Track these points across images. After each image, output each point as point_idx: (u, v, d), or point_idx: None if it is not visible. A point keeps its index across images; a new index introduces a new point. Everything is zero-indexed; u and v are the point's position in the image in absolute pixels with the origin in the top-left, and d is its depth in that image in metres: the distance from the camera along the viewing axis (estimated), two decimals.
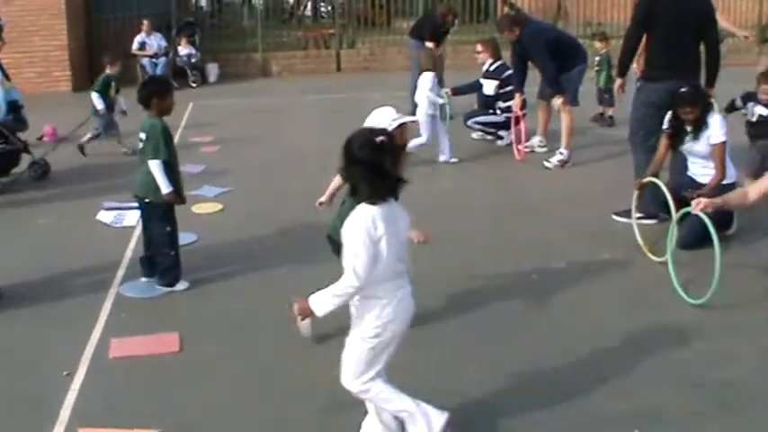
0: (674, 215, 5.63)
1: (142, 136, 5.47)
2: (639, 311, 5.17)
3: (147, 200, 5.52)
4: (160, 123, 5.46)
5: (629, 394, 4.13)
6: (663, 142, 6.53)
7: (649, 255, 5.99)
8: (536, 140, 9.64)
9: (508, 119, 9.64)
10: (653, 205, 6.46)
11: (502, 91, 9.93)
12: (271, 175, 8.86)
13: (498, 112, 9.92)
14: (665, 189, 5.97)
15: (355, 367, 3.46)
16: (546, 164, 8.98)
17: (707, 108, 6.29)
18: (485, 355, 4.58)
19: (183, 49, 16.36)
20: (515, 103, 9.34)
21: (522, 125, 9.29)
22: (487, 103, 10.16)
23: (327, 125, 10.95)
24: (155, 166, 5.38)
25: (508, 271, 5.85)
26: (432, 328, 4.81)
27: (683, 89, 6.22)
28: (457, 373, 4.38)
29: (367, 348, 3.42)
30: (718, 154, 6.20)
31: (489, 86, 10.09)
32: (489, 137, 10.17)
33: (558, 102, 8.96)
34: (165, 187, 5.40)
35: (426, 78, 9.18)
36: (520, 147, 9.30)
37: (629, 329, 4.88)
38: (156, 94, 5.46)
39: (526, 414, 3.95)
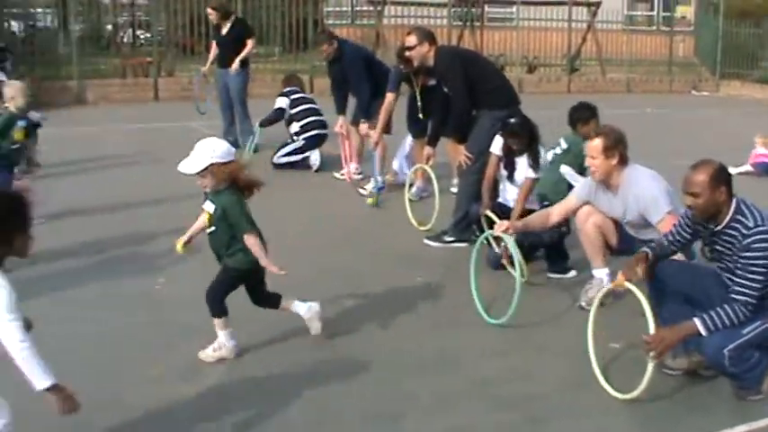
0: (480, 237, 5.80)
1: None
2: (446, 331, 5.30)
3: None
4: None
5: (441, 413, 4.23)
6: (493, 167, 6.50)
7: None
8: (353, 167, 9.49)
9: (306, 141, 9.88)
10: (467, 231, 6.67)
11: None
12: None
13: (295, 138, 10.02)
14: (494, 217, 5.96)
15: None
16: (361, 191, 8.89)
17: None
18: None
19: None
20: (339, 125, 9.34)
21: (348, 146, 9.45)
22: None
23: (143, 156, 10.90)
24: None
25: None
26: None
27: (514, 119, 6.35)
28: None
29: None
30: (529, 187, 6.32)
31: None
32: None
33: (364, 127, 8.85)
34: None
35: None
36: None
37: (437, 349, 5.00)
38: None
39: None
